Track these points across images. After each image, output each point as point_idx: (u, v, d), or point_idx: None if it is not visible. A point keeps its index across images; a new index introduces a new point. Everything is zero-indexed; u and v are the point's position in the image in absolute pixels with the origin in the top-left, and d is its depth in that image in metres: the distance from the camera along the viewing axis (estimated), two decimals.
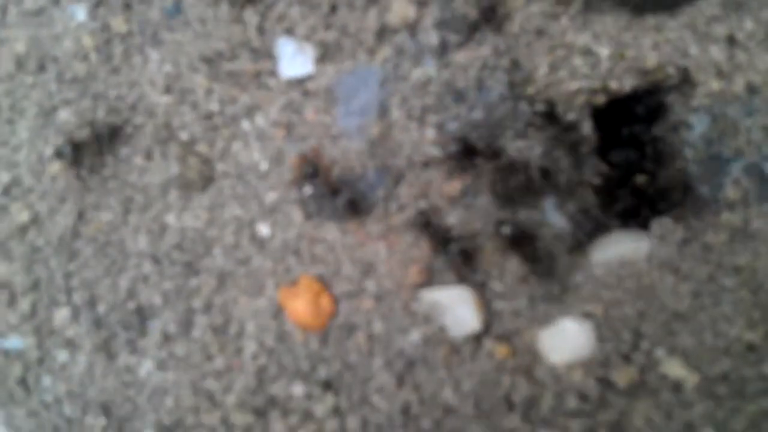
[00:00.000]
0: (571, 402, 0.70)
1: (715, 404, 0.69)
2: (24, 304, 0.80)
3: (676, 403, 0.70)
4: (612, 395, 0.70)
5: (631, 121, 0.77)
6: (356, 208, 0.75)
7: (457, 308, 0.72)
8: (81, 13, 0.82)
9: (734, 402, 0.69)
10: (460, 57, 0.76)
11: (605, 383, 0.71)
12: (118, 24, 0.81)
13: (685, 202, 0.74)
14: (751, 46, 0.73)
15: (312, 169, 0.76)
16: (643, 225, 0.75)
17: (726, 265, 0.71)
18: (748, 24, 0.73)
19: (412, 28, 0.77)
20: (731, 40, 0.73)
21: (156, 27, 0.81)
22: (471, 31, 0.76)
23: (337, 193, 0.75)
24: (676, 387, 0.70)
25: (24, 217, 0.81)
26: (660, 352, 0.70)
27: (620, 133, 0.77)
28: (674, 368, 0.70)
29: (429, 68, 0.76)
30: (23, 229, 0.81)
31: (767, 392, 0.69)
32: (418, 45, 0.77)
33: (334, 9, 0.77)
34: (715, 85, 0.73)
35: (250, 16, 0.79)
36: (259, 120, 0.78)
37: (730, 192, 0.72)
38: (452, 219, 0.75)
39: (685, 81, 0.74)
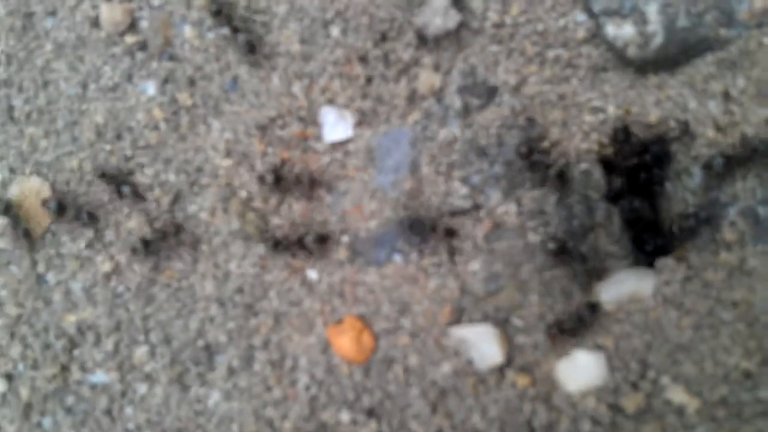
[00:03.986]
0: (586, 426, 0.73)
1: (715, 427, 0.71)
2: (108, 344, 0.83)
3: (679, 426, 0.72)
4: (622, 419, 0.73)
5: (643, 170, 0.78)
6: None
7: (482, 344, 0.75)
8: (151, 89, 0.85)
9: (733, 424, 0.71)
10: (481, 118, 0.79)
11: (615, 409, 0.73)
12: (184, 98, 0.84)
13: (686, 243, 0.75)
14: (744, 101, 0.75)
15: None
16: (649, 264, 0.75)
17: (724, 300, 0.73)
18: (741, 81, 0.75)
19: (438, 94, 0.80)
20: (726, 96, 0.76)
21: (217, 100, 0.84)
22: (490, 94, 0.80)
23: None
24: (680, 411, 0.72)
25: (107, 267, 0.84)
26: (665, 380, 0.73)
27: (633, 180, 0.78)
28: (678, 394, 0.72)
29: (454, 129, 0.79)
30: (106, 278, 0.84)
31: (763, 415, 0.71)
32: (444, 109, 0.80)
33: (369, 81, 0.81)
34: (713, 136, 0.75)
35: (298, 89, 0.82)
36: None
37: (728, 233, 0.74)
38: (476, 264, 0.78)
39: (686, 133, 0.76)
